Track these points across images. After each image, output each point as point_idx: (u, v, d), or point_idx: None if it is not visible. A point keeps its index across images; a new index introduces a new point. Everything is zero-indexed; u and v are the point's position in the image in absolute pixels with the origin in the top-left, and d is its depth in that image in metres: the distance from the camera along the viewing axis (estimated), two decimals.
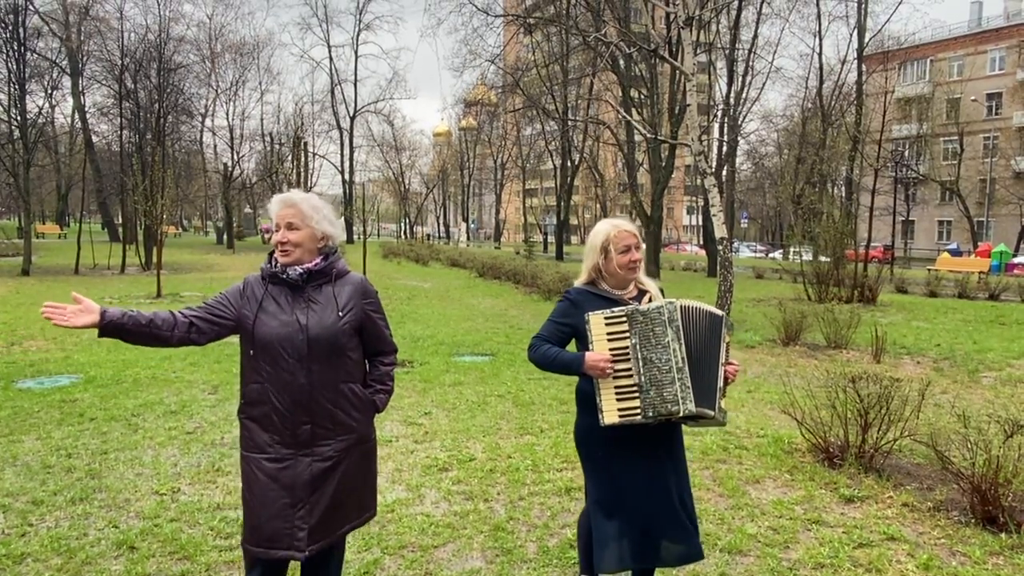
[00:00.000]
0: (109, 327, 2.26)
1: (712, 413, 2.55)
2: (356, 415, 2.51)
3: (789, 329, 10.09)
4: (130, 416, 5.82)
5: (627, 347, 2.50)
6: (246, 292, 2.48)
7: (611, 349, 2.52)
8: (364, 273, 15.31)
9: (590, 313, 2.57)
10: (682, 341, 2.48)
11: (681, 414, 2.47)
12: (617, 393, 2.50)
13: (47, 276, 20.42)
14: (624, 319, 2.52)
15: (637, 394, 2.49)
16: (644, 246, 2.79)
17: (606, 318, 2.54)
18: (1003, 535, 3.67)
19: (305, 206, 2.46)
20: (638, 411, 2.48)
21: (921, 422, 4.97)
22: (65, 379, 7.16)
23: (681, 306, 2.53)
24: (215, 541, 3.58)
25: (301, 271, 2.44)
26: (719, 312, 2.63)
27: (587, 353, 2.56)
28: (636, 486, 2.63)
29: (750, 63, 29.56)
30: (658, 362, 2.47)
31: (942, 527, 3.82)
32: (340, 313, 2.46)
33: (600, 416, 2.52)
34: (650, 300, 2.73)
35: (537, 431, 5.58)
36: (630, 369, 2.50)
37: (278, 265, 2.46)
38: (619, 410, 2.50)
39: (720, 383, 2.59)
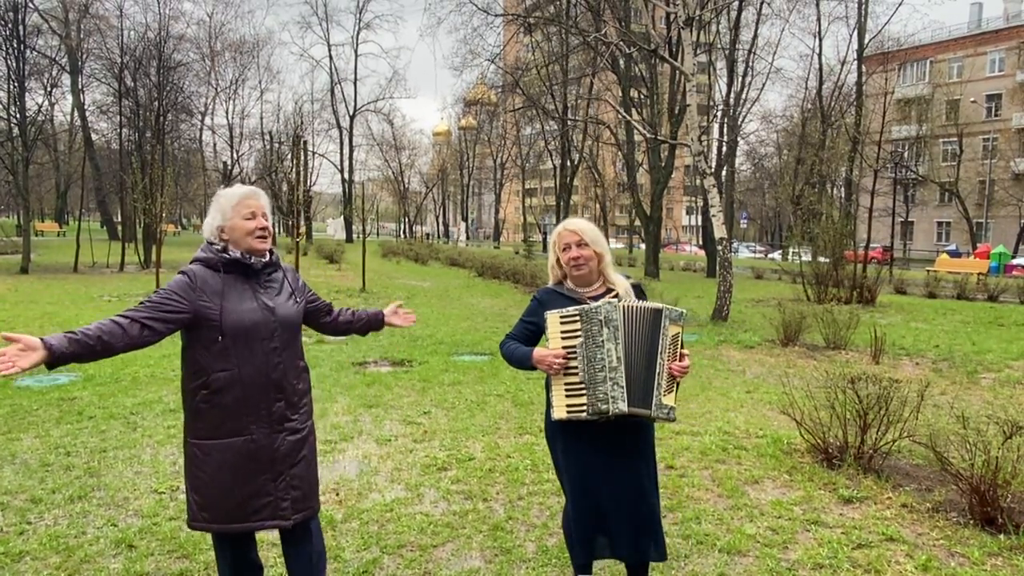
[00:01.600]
0: (60, 359, 2.14)
1: (648, 413, 2.59)
2: (307, 387, 2.72)
3: (788, 330, 10.09)
4: (129, 414, 5.81)
5: (576, 345, 2.61)
6: (197, 283, 2.45)
7: (564, 347, 2.63)
8: (363, 271, 15.25)
9: (548, 312, 2.68)
10: (618, 341, 2.56)
11: (610, 414, 2.56)
12: (567, 389, 2.62)
13: (46, 274, 20.39)
14: (575, 318, 2.62)
15: (583, 391, 2.59)
16: (591, 244, 2.76)
17: (561, 317, 2.65)
18: (1002, 536, 3.67)
19: (266, 200, 2.65)
20: (583, 408, 2.59)
21: (920, 423, 4.97)
22: (64, 377, 7.15)
23: (624, 306, 2.61)
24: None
25: (263, 259, 2.59)
26: (660, 306, 2.64)
27: (535, 349, 2.71)
28: (594, 482, 2.72)
29: (750, 63, 29.61)
30: (596, 361, 2.57)
31: (941, 528, 3.82)
32: (296, 297, 2.69)
33: (551, 411, 2.66)
34: (615, 298, 2.74)
35: (536, 431, 5.58)
36: (578, 367, 2.61)
37: (234, 252, 2.52)
38: (567, 406, 2.62)
39: (659, 380, 2.60)
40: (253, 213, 2.53)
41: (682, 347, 2.69)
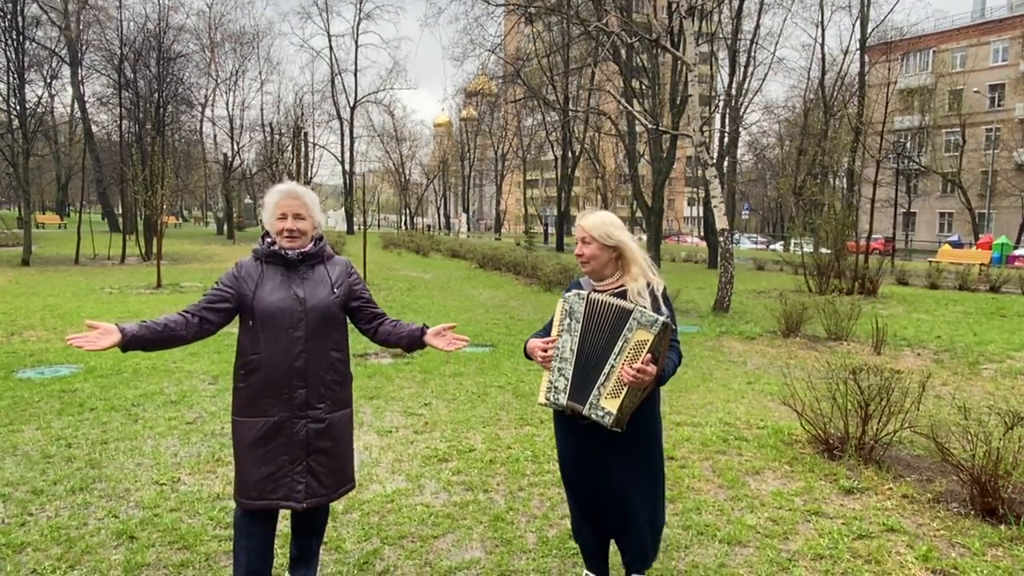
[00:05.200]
0: (132, 341, 2.45)
1: (580, 409, 2.57)
2: (342, 380, 2.79)
3: (790, 321, 10.08)
4: (130, 406, 5.82)
5: (559, 334, 2.67)
6: (241, 273, 2.70)
7: (558, 334, 2.68)
8: (364, 264, 15.15)
9: (560, 300, 2.74)
10: (575, 333, 2.59)
11: (549, 403, 2.62)
12: (549, 376, 2.67)
13: (47, 266, 20.40)
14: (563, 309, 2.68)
15: (551, 379, 2.65)
16: (598, 239, 2.67)
17: (563, 306, 2.69)
18: (1002, 527, 3.67)
19: (308, 199, 2.74)
20: (547, 396, 2.65)
21: (921, 414, 4.96)
22: (65, 369, 7.15)
23: (590, 298, 2.60)
24: (215, 531, 3.58)
25: (298, 253, 2.70)
26: (630, 307, 2.53)
27: (531, 339, 2.77)
28: (570, 472, 2.80)
29: (752, 53, 29.47)
30: (559, 351, 2.63)
31: (941, 519, 3.82)
32: (334, 289, 2.75)
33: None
34: (618, 294, 2.69)
35: (537, 422, 5.58)
36: (555, 355, 2.66)
37: (275, 246, 2.69)
38: (545, 391, 2.67)
39: (605, 380, 2.52)
40: (284, 214, 2.67)
41: (651, 356, 2.46)
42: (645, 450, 2.74)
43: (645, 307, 2.55)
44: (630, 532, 2.77)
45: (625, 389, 2.48)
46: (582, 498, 2.82)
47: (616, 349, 2.51)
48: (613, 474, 2.70)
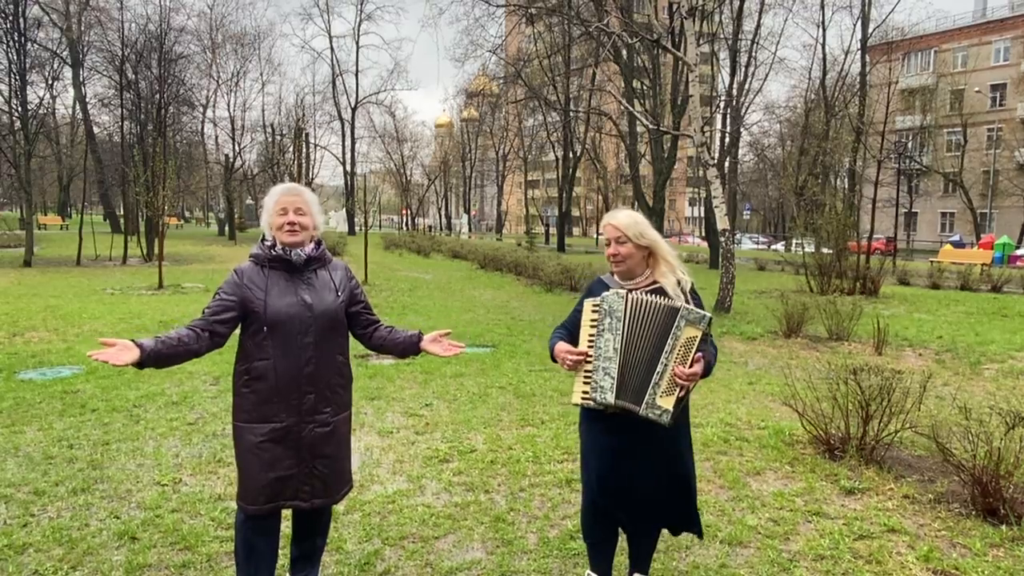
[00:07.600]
0: (150, 356, 2.41)
1: (636, 409, 2.57)
2: (345, 383, 2.81)
3: (791, 321, 10.07)
4: (131, 407, 5.82)
5: (594, 334, 2.65)
6: (243, 280, 2.65)
7: (588, 335, 2.67)
8: (365, 264, 15.17)
9: (586, 299, 2.73)
10: (618, 332, 2.58)
11: (596, 403, 2.60)
12: (584, 376, 2.66)
13: (49, 267, 20.43)
14: (598, 308, 2.66)
15: (590, 379, 2.64)
16: (634, 239, 2.69)
17: (592, 305, 2.69)
18: (1004, 527, 3.67)
19: (309, 196, 2.76)
20: (589, 396, 2.63)
21: (922, 414, 4.96)
22: (67, 370, 7.16)
23: (632, 298, 2.60)
24: (216, 532, 3.58)
25: (304, 254, 2.68)
26: (677, 305, 2.58)
27: (558, 344, 2.76)
28: (606, 467, 2.75)
29: (753, 54, 29.47)
30: (598, 350, 2.61)
31: (943, 519, 3.82)
32: (339, 293, 2.75)
33: (572, 395, 2.71)
34: (653, 293, 2.70)
35: (538, 422, 5.59)
36: (592, 355, 2.65)
37: (278, 248, 2.65)
38: (581, 392, 2.66)
39: (659, 380, 2.56)
40: (284, 209, 2.66)
41: (697, 352, 2.58)
42: (679, 435, 2.80)
43: (688, 304, 2.59)
44: (686, 498, 2.83)
45: (678, 386, 2.57)
46: (616, 493, 2.76)
47: (667, 348, 2.56)
48: (653, 463, 2.73)
